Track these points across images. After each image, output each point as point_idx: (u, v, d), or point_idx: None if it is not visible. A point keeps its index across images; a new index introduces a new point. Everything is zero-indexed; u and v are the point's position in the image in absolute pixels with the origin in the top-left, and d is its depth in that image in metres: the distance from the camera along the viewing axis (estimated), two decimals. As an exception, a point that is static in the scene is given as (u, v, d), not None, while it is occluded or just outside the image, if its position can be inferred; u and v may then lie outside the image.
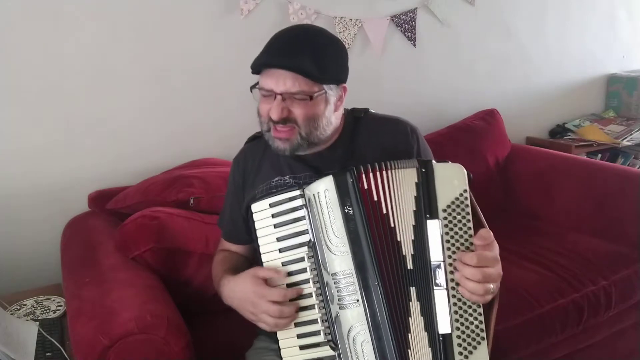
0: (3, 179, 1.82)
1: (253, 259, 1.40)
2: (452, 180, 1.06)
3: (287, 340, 1.11)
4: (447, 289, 1.02)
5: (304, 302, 1.09)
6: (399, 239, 1.05)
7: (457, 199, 1.05)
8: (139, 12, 1.91)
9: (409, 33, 2.42)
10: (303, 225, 1.10)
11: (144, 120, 1.99)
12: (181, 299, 1.43)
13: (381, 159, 1.09)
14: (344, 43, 2.23)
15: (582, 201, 2.18)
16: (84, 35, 1.85)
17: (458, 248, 1.03)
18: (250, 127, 1.36)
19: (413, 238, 1.05)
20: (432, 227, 1.04)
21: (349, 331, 1.04)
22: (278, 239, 1.12)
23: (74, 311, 1.32)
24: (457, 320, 1.02)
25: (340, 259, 1.05)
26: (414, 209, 1.05)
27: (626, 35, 3.16)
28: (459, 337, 1.02)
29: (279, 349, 1.12)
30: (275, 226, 1.12)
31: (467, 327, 1.02)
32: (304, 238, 1.10)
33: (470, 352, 1.02)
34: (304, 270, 1.09)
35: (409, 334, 1.03)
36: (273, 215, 1.13)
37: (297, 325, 1.10)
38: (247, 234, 1.34)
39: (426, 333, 1.03)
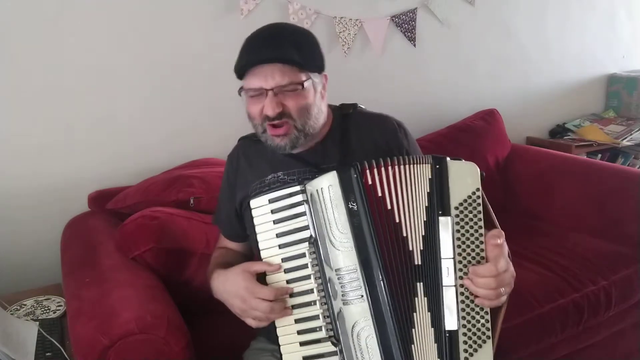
0: (3, 178, 1.82)
1: (251, 256, 1.40)
2: (465, 178, 1.06)
3: (287, 336, 1.11)
4: (455, 286, 1.03)
5: (305, 298, 1.09)
6: (405, 235, 1.05)
7: (469, 197, 1.05)
8: (139, 12, 1.91)
9: (409, 33, 2.42)
10: (303, 221, 1.10)
11: (144, 120, 2.00)
12: (181, 299, 1.43)
13: (374, 154, 1.10)
14: (344, 43, 2.26)
15: (582, 201, 2.17)
16: (84, 35, 1.85)
17: (468, 246, 1.03)
18: (250, 127, 1.36)
19: (424, 234, 1.05)
20: (444, 224, 1.04)
21: (353, 327, 1.04)
22: (278, 235, 1.12)
23: (74, 311, 1.32)
24: (464, 318, 1.02)
25: (344, 255, 1.05)
26: (426, 205, 1.06)
27: (626, 35, 3.16)
28: (465, 334, 1.02)
29: (278, 347, 1.11)
30: (274, 222, 1.12)
31: (474, 325, 1.02)
32: (305, 234, 1.09)
33: (475, 350, 1.02)
34: (304, 266, 1.09)
35: (413, 330, 1.03)
36: (272, 211, 1.12)
37: (297, 321, 1.10)
38: (242, 230, 1.34)
39: (432, 329, 1.03)
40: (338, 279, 1.05)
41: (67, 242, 1.75)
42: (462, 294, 1.03)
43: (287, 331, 1.11)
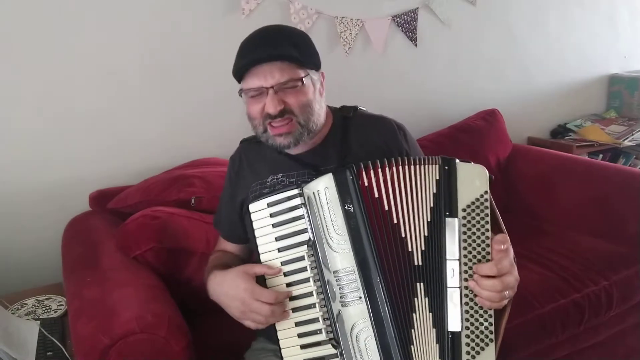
0: (4, 178, 1.83)
1: (249, 261, 1.40)
2: (473, 180, 1.06)
3: (288, 339, 1.10)
4: (460, 287, 1.02)
5: (305, 301, 1.09)
6: (403, 235, 1.05)
7: (477, 199, 1.05)
8: (140, 12, 1.92)
9: (410, 33, 2.42)
10: (302, 224, 1.09)
11: (145, 119, 2.00)
12: (182, 298, 1.43)
13: (374, 156, 1.09)
14: (345, 43, 2.26)
15: (583, 201, 2.17)
16: (85, 35, 1.85)
17: (474, 248, 1.03)
18: (251, 127, 1.37)
19: (427, 234, 1.05)
20: (451, 225, 1.04)
21: (352, 328, 1.05)
22: (277, 239, 1.12)
23: (75, 310, 1.32)
24: (467, 320, 1.02)
25: (341, 257, 1.05)
26: (432, 205, 1.05)
27: (628, 36, 3.16)
28: (468, 336, 1.02)
29: (279, 349, 1.11)
30: (273, 226, 1.12)
31: (477, 328, 1.02)
32: (303, 237, 1.09)
33: (478, 353, 1.02)
34: (303, 269, 1.09)
35: (413, 330, 1.03)
36: (271, 215, 1.12)
37: (298, 324, 1.10)
38: (244, 232, 1.34)
39: (434, 329, 1.03)
40: (336, 281, 1.05)
41: (68, 242, 1.75)
42: (466, 295, 1.03)
43: (287, 334, 1.10)
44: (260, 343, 1.33)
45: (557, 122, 3.02)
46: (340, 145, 1.27)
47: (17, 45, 1.77)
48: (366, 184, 1.06)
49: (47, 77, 1.82)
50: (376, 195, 1.06)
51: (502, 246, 1.03)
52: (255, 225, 1.14)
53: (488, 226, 1.04)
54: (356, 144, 1.28)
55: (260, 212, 1.13)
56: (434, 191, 1.06)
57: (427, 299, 1.04)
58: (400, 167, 1.07)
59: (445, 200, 1.05)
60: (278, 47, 1.15)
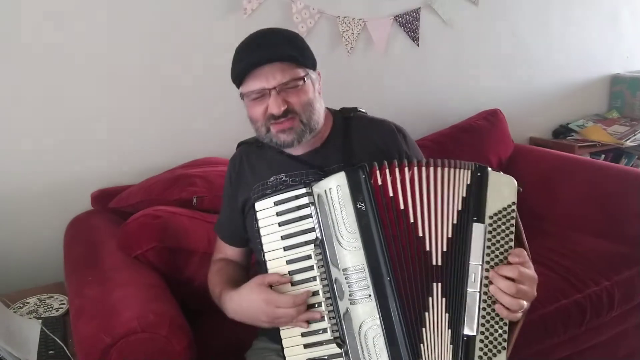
0: (6, 177, 1.83)
1: (248, 265, 1.40)
2: (503, 190, 1.07)
3: (291, 339, 1.10)
4: (480, 292, 1.03)
5: (310, 300, 1.09)
6: (421, 235, 1.05)
7: (504, 209, 1.06)
8: (142, 12, 1.92)
9: (412, 33, 2.42)
10: (308, 223, 1.09)
11: (146, 119, 2.00)
12: (183, 298, 1.43)
13: (376, 157, 1.10)
14: (347, 42, 2.26)
15: (585, 202, 2.17)
16: (86, 35, 1.85)
17: (497, 256, 1.04)
18: (251, 129, 1.37)
19: (450, 236, 1.05)
20: (478, 230, 1.05)
21: (360, 326, 1.04)
22: (283, 237, 1.12)
23: (77, 309, 1.33)
24: (483, 325, 1.03)
25: (352, 254, 1.05)
26: (459, 208, 1.06)
27: (630, 36, 3.16)
28: (482, 341, 1.02)
29: (282, 349, 1.11)
30: (280, 224, 1.12)
31: (492, 334, 1.03)
32: (310, 236, 1.09)
33: (490, 359, 1.02)
34: (310, 268, 1.09)
35: (424, 329, 1.03)
36: (277, 214, 1.12)
37: None
38: (245, 233, 1.34)
39: (450, 330, 1.03)
40: (345, 278, 1.05)
41: (69, 241, 1.76)
42: (484, 301, 1.03)
43: (291, 333, 1.10)
44: (262, 342, 1.33)
45: (559, 122, 3.02)
46: (342, 146, 1.27)
47: (17, 45, 1.77)
48: (380, 182, 1.06)
49: (47, 76, 1.82)
50: (390, 194, 1.06)
51: (517, 259, 1.04)
52: (260, 223, 1.14)
53: (512, 236, 1.05)
54: (357, 145, 1.28)
55: (266, 210, 1.13)
56: (464, 195, 1.07)
57: (444, 299, 1.04)
58: (425, 168, 1.07)
59: (474, 205, 1.06)
60: (277, 48, 1.15)
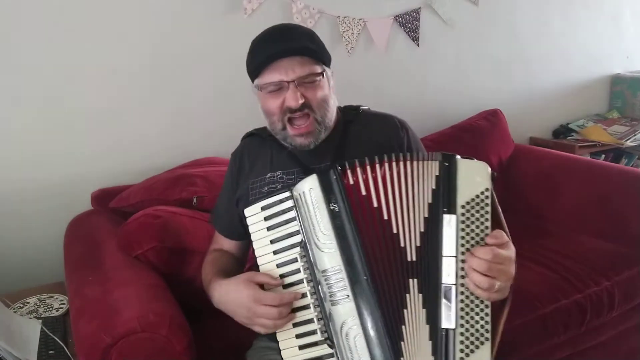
0: (7, 177, 1.83)
1: (243, 258, 1.40)
2: (474, 177, 1.05)
3: (287, 340, 1.11)
4: (456, 284, 1.01)
5: (300, 302, 1.09)
6: (395, 231, 1.04)
7: (477, 196, 1.04)
8: (143, 12, 1.92)
9: (413, 33, 2.42)
10: (295, 226, 1.09)
11: (147, 118, 2.00)
12: (183, 297, 1.43)
13: (372, 154, 1.09)
14: (348, 42, 2.26)
15: (585, 202, 2.17)
16: (87, 33, 1.85)
17: (472, 245, 1.02)
18: (254, 126, 1.37)
19: (422, 230, 1.04)
20: (448, 221, 1.03)
21: (341, 327, 1.04)
22: (272, 242, 1.12)
23: (77, 309, 1.33)
24: (462, 317, 1.01)
25: (329, 256, 1.05)
26: (430, 201, 1.05)
27: (630, 36, 3.16)
28: (462, 334, 1.01)
29: (280, 349, 1.11)
30: (268, 229, 1.12)
31: (472, 326, 1.02)
32: (297, 239, 1.09)
33: (472, 351, 1.01)
34: (297, 271, 1.09)
35: (403, 326, 1.02)
36: (265, 218, 1.12)
37: (295, 325, 1.10)
38: (242, 227, 1.34)
39: (427, 326, 1.02)
40: (325, 280, 1.05)
41: (70, 241, 1.76)
42: (462, 293, 1.02)
43: (286, 335, 1.11)
44: (262, 342, 1.33)
45: (559, 122, 3.02)
46: (337, 142, 1.27)
47: (18, 45, 1.77)
48: (351, 182, 1.06)
49: (48, 76, 1.82)
50: (363, 193, 1.05)
51: (494, 240, 1.01)
52: (251, 229, 1.14)
53: (488, 223, 1.03)
54: (355, 142, 1.28)
55: (255, 216, 1.14)
56: (433, 187, 1.05)
57: (420, 295, 1.03)
58: (395, 164, 1.06)
59: (444, 197, 1.04)
60: (297, 42, 1.16)
